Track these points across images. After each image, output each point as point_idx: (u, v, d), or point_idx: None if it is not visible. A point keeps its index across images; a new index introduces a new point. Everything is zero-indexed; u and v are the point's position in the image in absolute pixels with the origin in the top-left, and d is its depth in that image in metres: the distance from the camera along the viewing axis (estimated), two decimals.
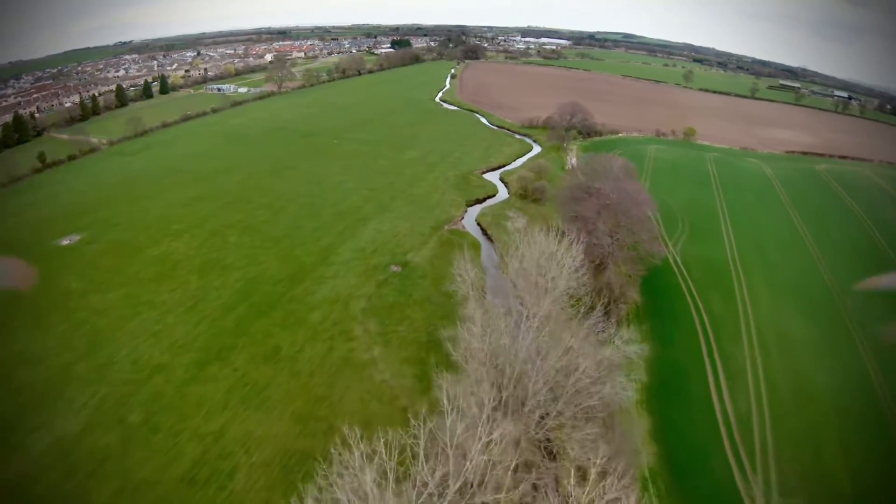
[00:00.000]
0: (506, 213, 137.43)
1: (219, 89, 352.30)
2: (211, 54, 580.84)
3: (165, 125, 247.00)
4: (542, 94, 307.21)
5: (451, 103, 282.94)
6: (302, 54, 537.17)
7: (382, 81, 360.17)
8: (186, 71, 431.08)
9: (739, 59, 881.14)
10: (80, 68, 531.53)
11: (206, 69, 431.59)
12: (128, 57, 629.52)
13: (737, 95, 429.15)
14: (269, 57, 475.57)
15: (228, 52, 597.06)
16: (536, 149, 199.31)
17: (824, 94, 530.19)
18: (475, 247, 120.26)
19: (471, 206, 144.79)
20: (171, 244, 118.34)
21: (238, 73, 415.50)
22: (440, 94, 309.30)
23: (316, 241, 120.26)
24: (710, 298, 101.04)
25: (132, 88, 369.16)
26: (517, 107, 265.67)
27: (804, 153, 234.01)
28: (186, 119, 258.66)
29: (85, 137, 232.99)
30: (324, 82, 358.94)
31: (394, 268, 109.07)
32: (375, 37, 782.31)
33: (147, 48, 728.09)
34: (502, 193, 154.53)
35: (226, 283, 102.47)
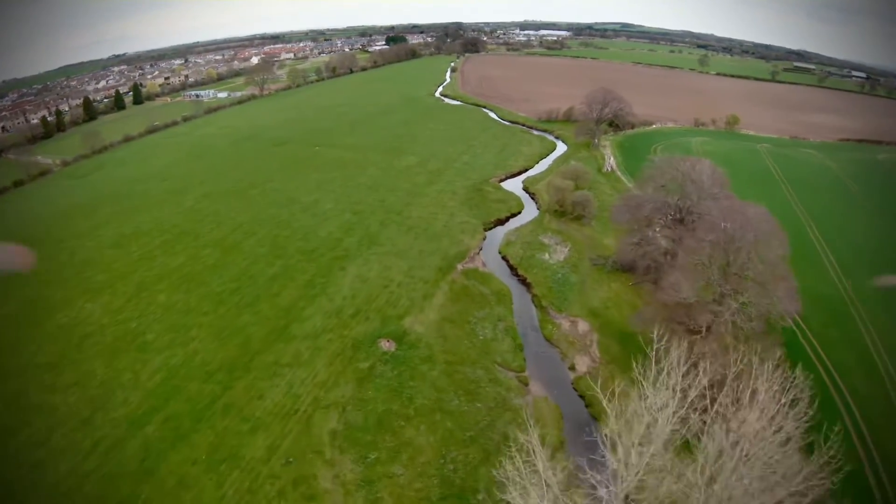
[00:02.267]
0: (539, 238, 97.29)
1: (197, 96, 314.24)
2: (198, 61, 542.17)
3: (128, 139, 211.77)
4: (555, 84, 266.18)
5: (453, 98, 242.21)
6: (291, 55, 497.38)
7: (376, 79, 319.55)
8: (166, 79, 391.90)
9: (741, 43, 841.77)
10: (66, 82, 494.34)
11: (186, 76, 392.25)
12: (115, 69, 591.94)
13: (756, 79, 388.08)
14: (255, 60, 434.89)
15: (217, 58, 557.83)
16: (561, 147, 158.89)
17: (842, 75, 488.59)
18: (504, 298, 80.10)
19: (489, 228, 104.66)
20: (87, 306, 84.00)
21: (221, 78, 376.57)
22: (440, 89, 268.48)
23: (272, 299, 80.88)
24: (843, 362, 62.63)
25: (105, 100, 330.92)
26: (530, 98, 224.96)
27: (859, 140, 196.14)
28: (152, 131, 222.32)
29: (35, 158, 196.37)
30: (312, 82, 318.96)
31: (384, 344, 69.32)
32: (370, 35, 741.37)
33: (139, 59, 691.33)
34: (529, 209, 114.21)
35: (138, 379, 66.87)
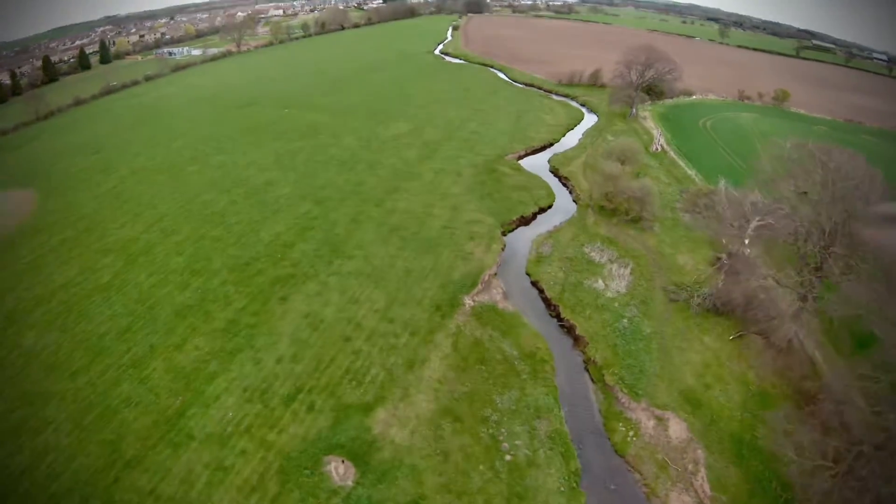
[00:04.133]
0: (584, 251, 64.63)
1: (170, 53, 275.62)
2: (184, 20, 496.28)
3: (78, 103, 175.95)
4: (572, 47, 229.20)
5: (455, 56, 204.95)
6: (280, 12, 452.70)
7: (368, 36, 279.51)
8: (141, 36, 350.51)
9: (749, 18, 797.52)
10: (47, 44, 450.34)
11: (162, 33, 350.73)
12: (99, 29, 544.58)
13: (780, 54, 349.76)
14: (240, 16, 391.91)
15: (204, 16, 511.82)
16: (590, 117, 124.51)
17: (863, 56, 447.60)
18: (541, 365, 47.64)
19: (510, 231, 71.24)
20: None
21: (200, 35, 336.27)
22: (440, 47, 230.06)
23: (170, 354, 50.08)
24: None
25: (72, 60, 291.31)
26: (545, 59, 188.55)
27: None
28: (108, 92, 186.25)
29: None
30: (296, 39, 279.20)
31: (335, 470, 38.20)
32: None
33: (128, 20, 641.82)
34: (562, 201, 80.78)
35: None
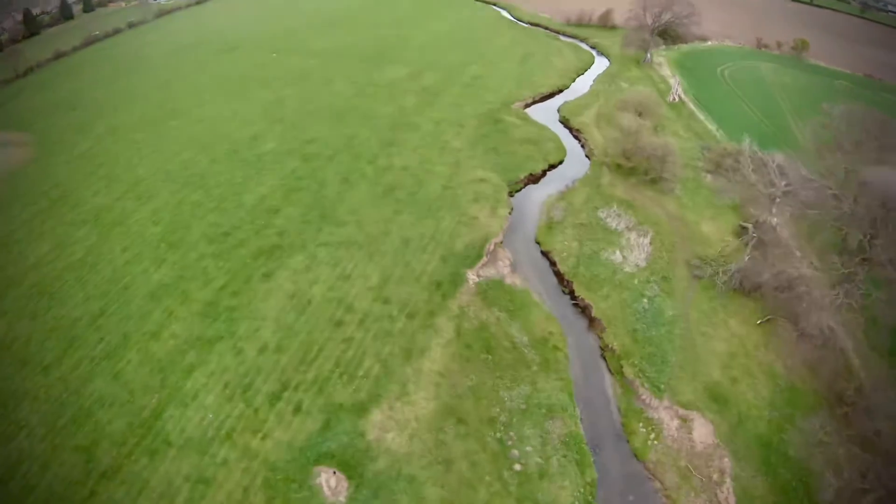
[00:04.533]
0: (599, 216, 58.67)
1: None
2: None
3: (59, 56, 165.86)
4: None
5: None
6: None
7: None
8: None
9: None
10: None
11: None
12: None
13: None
14: None
15: None
16: (601, 61, 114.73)
17: (878, 7, 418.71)
18: (553, 353, 42.43)
19: (517, 191, 65.01)
20: None
21: None
22: None
23: (146, 344, 44.60)
24: None
25: (54, 11, 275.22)
26: None
27: None
28: (89, 43, 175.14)
29: None
30: None
31: (325, 483, 33.93)
32: None
33: None
34: (573, 156, 73.75)
35: None
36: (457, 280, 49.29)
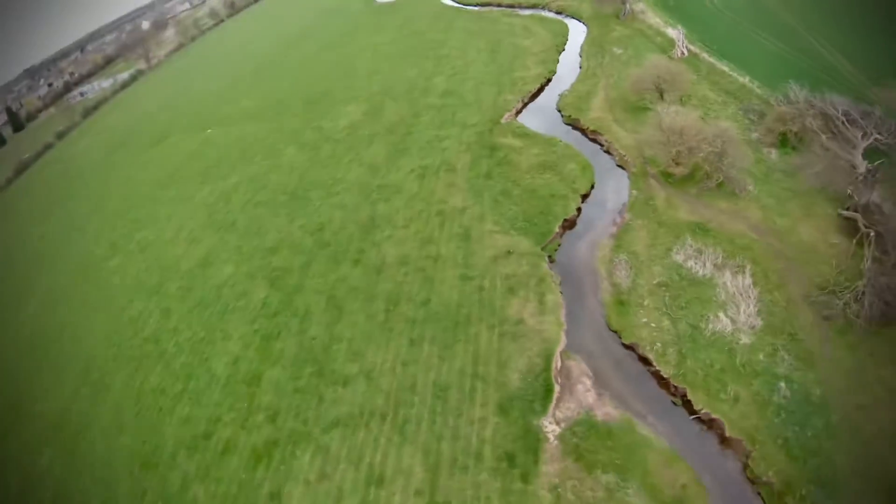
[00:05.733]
0: (675, 259, 42.86)
1: (81, 94, 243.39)
2: (88, 49, 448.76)
3: None
4: None
5: None
6: (187, 5, 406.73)
7: (283, 2, 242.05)
8: (50, 85, 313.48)
9: None
10: None
11: (71, 73, 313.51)
12: (16, 88, 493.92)
13: None
14: (146, 26, 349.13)
15: (112, 37, 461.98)
16: (575, 28, 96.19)
17: None
18: None
19: (555, 251, 48.21)
20: None
21: (109, 61, 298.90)
22: None
23: None
24: None
25: None
26: None
27: None
28: (21, 171, 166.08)
29: None
30: (208, 30, 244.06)
31: None
32: None
33: (43, 68, 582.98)
34: (603, 170, 55.78)
35: None
36: (533, 442, 32.62)
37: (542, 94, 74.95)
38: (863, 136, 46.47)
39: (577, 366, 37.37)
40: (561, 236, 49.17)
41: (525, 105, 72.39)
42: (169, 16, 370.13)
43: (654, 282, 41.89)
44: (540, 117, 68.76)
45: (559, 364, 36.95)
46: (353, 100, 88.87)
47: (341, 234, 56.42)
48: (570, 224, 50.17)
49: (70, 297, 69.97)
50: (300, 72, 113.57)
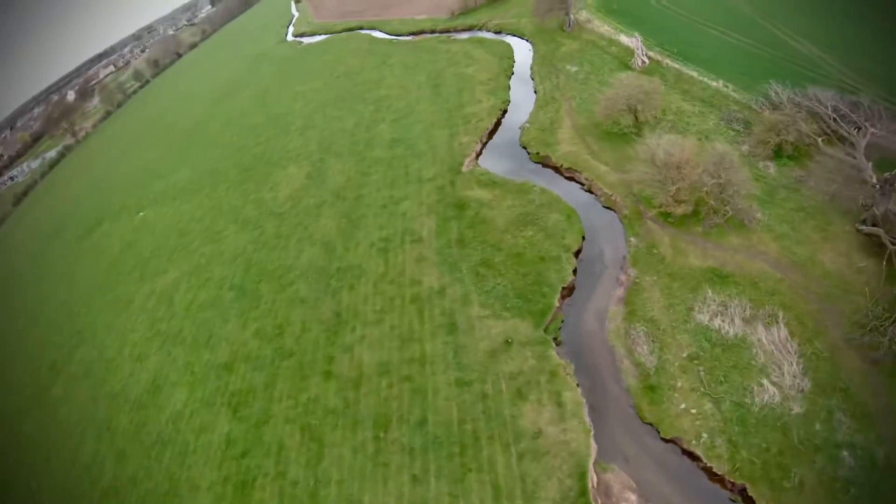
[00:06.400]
0: (700, 321, 35.80)
1: (11, 179, 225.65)
2: (20, 127, 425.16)
3: None
4: None
5: (311, 34, 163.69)
6: (111, 68, 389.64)
7: (210, 52, 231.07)
8: None
9: None
10: None
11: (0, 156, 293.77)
12: None
13: None
14: (71, 96, 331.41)
15: (40, 110, 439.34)
16: (520, 47, 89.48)
17: None
18: None
19: (558, 329, 39.86)
20: None
21: (37, 138, 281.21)
22: (290, 30, 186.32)
23: None
24: None
25: None
26: None
27: None
28: None
29: None
30: (133, 93, 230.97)
31: None
32: (195, 5, 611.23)
33: None
34: (591, 214, 47.88)
35: None
36: None
37: (500, 129, 67.35)
38: (859, 132, 42.96)
39: (616, 477, 30.00)
40: (560, 307, 41.05)
41: (484, 145, 64.67)
42: (94, 82, 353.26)
43: (684, 355, 34.88)
44: (504, 158, 61.06)
45: (595, 480, 29.33)
46: (291, 161, 79.84)
47: (304, 338, 47.30)
48: (568, 291, 42.14)
49: (19, 437, 59.10)
50: (231, 134, 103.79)
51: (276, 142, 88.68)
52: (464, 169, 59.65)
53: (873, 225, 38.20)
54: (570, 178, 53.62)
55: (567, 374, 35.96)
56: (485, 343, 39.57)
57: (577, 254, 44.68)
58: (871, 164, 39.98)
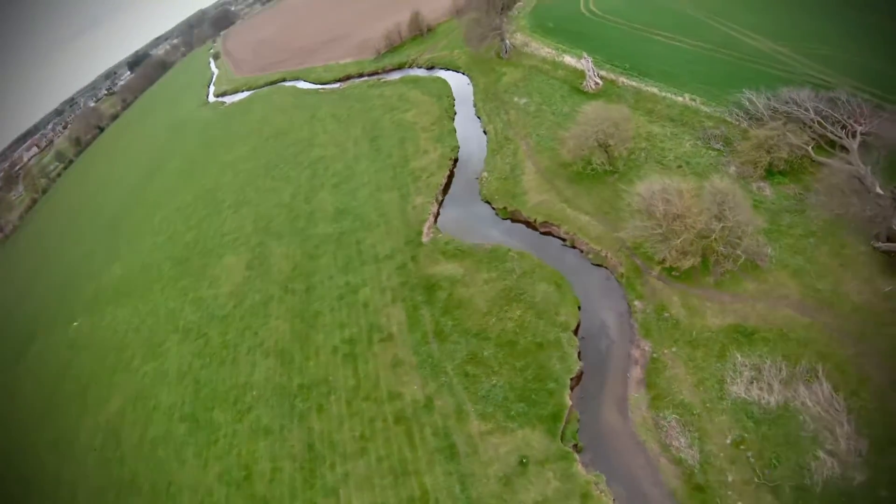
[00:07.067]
0: (734, 394, 30.62)
1: None
2: None
3: None
4: (353, 1, 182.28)
5: (234, 91, 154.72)
6: (35, 149, 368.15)
7: (131, 123, 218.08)
8: None
9: None
10: None
11: None
12: None
13: None
14: None
15: None
16: (456, 82, 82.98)
17: None
18: None
19: (577, 431, 31.75)
20: None
21: None
22: (212, 89, 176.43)
23: None
24: None
25: None
26: (342, 33, 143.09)
27: None
28: None
29: None
30: (57, 176, 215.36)
31: None
32: (114, 73, 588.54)
33: None
34: (581, 278, 40.67)
35: None
36: None
37: (455, 182, 60.23)
38: (848, 134, 39.02)
39: None
40: (574, 405, 33.76)
41: (441, 204, 57.16)
42: (18, 167, 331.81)
43: (728, 441, 29.09)
44: (467, 217, 53.96)
45: None
46: (227, 249, 70.76)
47: (277, 481, 38.67)
48: (576, 380, 34.95)
49: None
50: (160, 217, 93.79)
51: (208, 224, 79.38)
52: (424, 239, 52.13)
53: (888, 240, 34.07)
54: (547, 233, 46.90)
55: (600, 492, 28.67)
56: (495, 468, 31.98)
57: (575, 330, 37.49)
58: (868, 168, 34.98)
